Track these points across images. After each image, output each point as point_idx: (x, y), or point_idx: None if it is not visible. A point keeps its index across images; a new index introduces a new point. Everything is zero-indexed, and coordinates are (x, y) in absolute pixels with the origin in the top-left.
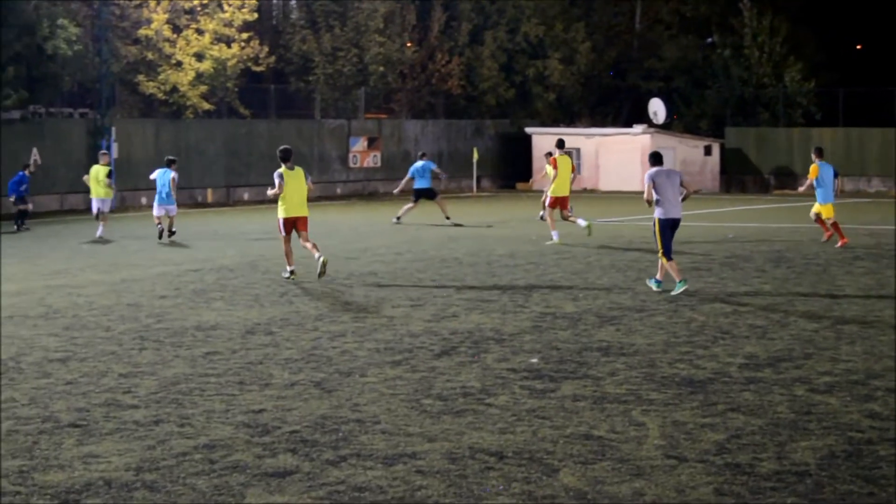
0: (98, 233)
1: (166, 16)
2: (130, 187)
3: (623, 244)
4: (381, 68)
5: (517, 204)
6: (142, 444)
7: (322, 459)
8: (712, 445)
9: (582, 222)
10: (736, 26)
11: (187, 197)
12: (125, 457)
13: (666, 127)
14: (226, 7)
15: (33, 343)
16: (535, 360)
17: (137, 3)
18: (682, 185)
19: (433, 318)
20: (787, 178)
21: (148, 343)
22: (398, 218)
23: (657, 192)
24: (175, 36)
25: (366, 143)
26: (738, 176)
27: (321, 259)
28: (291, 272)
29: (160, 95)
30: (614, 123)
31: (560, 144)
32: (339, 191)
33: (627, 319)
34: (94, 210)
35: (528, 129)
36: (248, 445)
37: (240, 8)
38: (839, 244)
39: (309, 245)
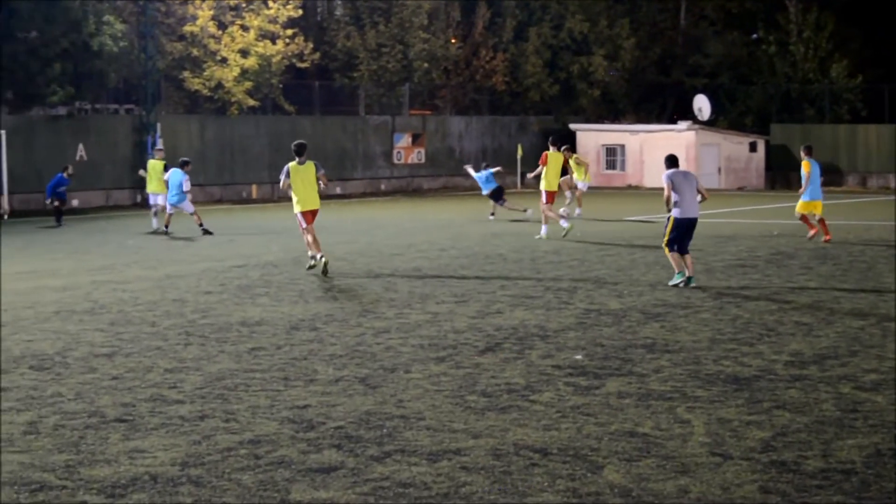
0: (154, 225)
1: (211, 12)
2: None
3: None
4: (426, 64)
5: (561, 200)
6: (187, 440)
7: (366, 455)
8: (758, 443)
9: (564, 223)
10: (781, 22)
11: (232, 193)
12: (171, 452)
13: (711, 123)
14: (271, 3)
15: (79, 338)
16: (579, 357)
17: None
18: (698, 189)
19: (477, 314)
20: (833, 175)
21: (193, 338)
22: (525, 210)
23: (675, 193)
24: (220, 32)
25: (410, 140)
26: (783, 172)
27: (323, 259)
28: (313, 258)
29: (205, 92)
30: (659, 120)
31: (553, 141)
32: (383, 187)
33: (672, 316)
34: (153, 204)
35: (573, 126)
36: (292, 441)
37: (285, 4)
38: (824, 239)
39: (310, 238)
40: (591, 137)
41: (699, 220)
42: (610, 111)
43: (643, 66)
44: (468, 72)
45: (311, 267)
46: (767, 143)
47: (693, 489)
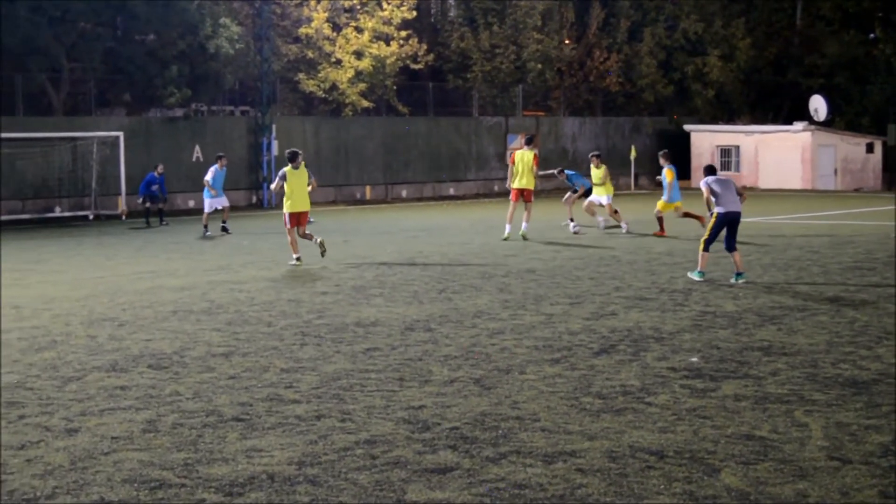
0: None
1: (326, 14)
2: None
3: (783, 243)
4: (539, 65)
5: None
6: (304, 439)
7: (482, 456)
8: (877, 447)
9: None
10: None
11: (346, 194)
12: (287, 451)
13: (827, 124)
14: (385, 5)
15: (197, 338)
16: (695, 359)
17: (298, 1)
18: (738, 192)
19: (592, 315)
20: None
21: (309, 339)
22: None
23: (714, 195)
24: (335, 34)
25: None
26: None
27: (319, 240)
28: (298, 259)
29: (320, 93)
30: (774, 121)
31: (528, 140)
32: (496, 188)
33: (789, 319)
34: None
35: (687, 127)
36: (408, 441)
37: (399, 6)
38: (657, 233)
39: (307, 232)
40: (706, 138)
41: (742, 216)
42: (724, 112)
43: (758, 67)
44: (582, 73)
45: (295, 264)
46: (884, 144)
47: (811, 493)
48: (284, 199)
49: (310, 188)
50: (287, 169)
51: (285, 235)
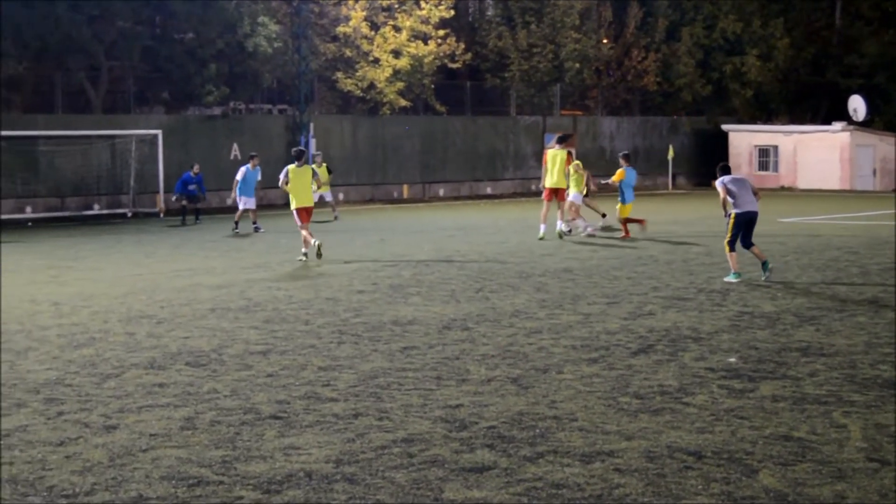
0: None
1: (364, 13)
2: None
3: (821, 243)
4: (577, 65)
5: (713, 202)
6: (341, 437)
7: (519, 456)
8: None
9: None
10: None
11: (383, 193)
12: (325, 449)
13: (866, 124)
14: (423, 4)
15: (235, 335)
16: (733, 360)
17: (336, 0)
18: (753, 191)
19: (629, 315)
20: None
21: (346, 337)
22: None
23: (731, 195)
24: (373, 33)
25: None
26: None
27: (317, 244)
28: (305, 254)
29: (357, 92)
30: (813, 121)
31: (560, 139)
32: (533, 187)
33: (827, 319)
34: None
35: (725, 127)
36: (445, 440)
37: (437, 5)
38: (622, 236)
39: (305, 233)
40: (744, 138)
41: (758, 214)
42: (763, 112)
43: (797, 66)
44: (620, 72)
45: (302, 259)
46: None
47: (850, 495)
48: (290, 196)
49: (314, 186)
50: (291, 167)
51: (321, 234)
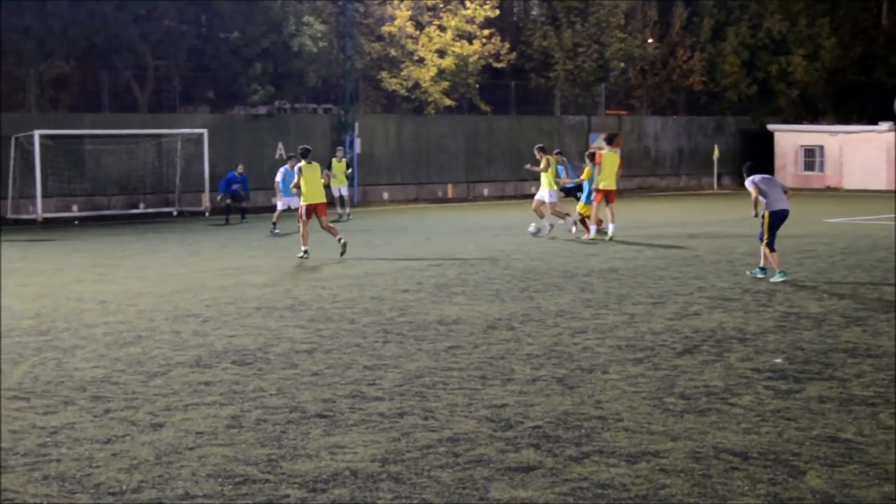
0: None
1: (409, 13)
2: (372, 182)
3: (868, 244)
4: (622, 64)
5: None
6: (387, 436)
7: (565, 456)
8: None
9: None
10: None
11: (428, 192)
12: (370, 448)
13: None
14: (468, 4)
15: (280, 334)
16: (779, 361)
17: (381, 0)
18: (783, 189)
19: (675, 315)
20: None
21: (391, 336)
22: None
23: (763, 194)
24: (418, 33)
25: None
26: None
27: (342, 241)
28: (305, 252)
29: (402, 91)
30: (859, 121)
31: (609, 141)
32: None
33: (874, 320)
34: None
35: (770, 126)
36: (491, 440)
37: (482, 4)
38: (585, 236)
39: (328, 228)
40: (790, 138)
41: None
42: (809, 111)
43: (843, 66)
44: (665, 71)
45: (302, 256)
46: None
47: None
48: (301, 193)
49: (324, 181)
50: (302, 164)
51: (366, 233)
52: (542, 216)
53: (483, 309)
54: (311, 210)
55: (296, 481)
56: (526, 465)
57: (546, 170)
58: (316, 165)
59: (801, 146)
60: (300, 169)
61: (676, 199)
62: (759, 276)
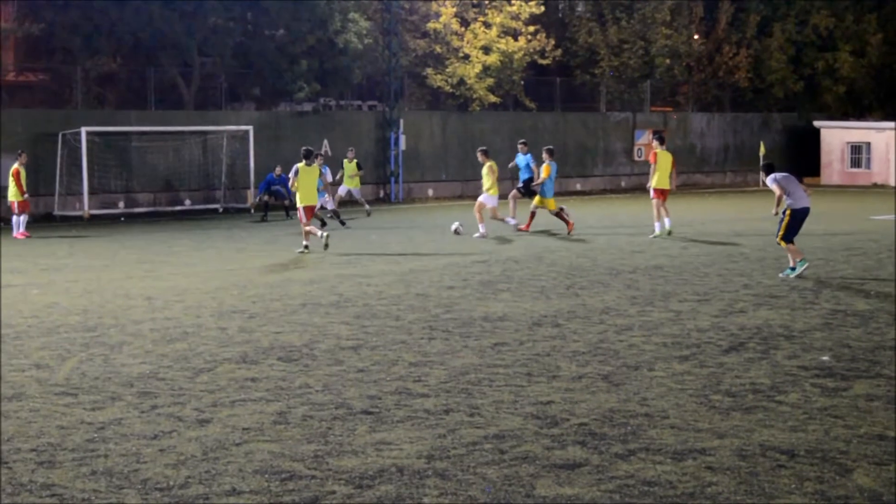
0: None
1: (454, 9)
2: (417, 179)
3: None
4: (668, 61)
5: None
6: (432, 433)
7: (611, 453)
8: None
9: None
10: None
11: (472, 189)
12: (416, 444)
13: None
14: (513, 0)
15: (326, 330)
16: (826, 358)
17: None
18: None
19: (721, 313)
20: None
21: (437, 333)
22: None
23: (785, 192)
24: (463, 29)
25: (651, 136)
26: None
27: (325, 235)
28: (306, 247)
29: (447, 88)
30: None
31: (661, 140)
32: (623, 184)
33: None
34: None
35: (817, 123)
36: (536, 437)
37: (527, 1)
38: (523, 227)
39: (309, 227)
40: (836, 135)
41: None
42: (855, 108)
43: (891, 62)
44: (711, 68)
45: (302, 252)
46: None
47: None
48: (298, 193)
49: (321, 186)
50: (300, 165)
51: (410, 230)
52: (495, 215)
53: (528, 306)
54: (311, 211)
55: (342, 477)
56: (572, 462)
57: (489, 173)
58: (315, 168)
59: (848, 143)
60: (297, 170)
61: (721, 196)
62: (792, 275)
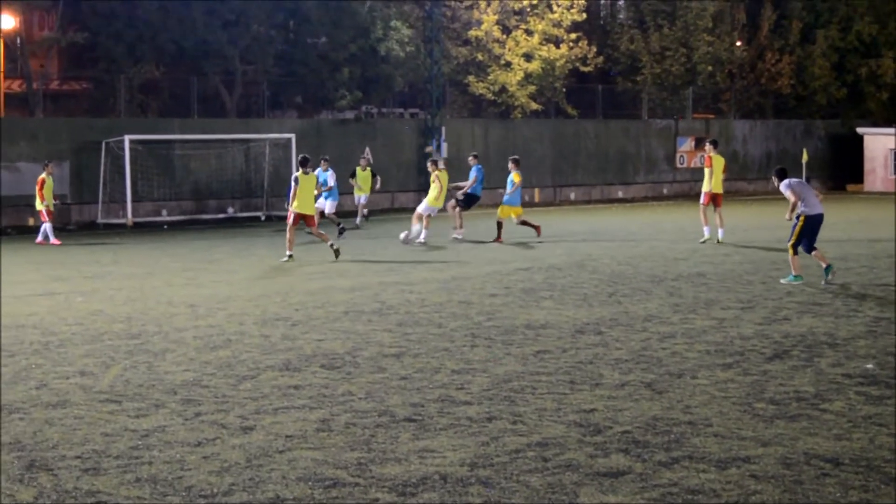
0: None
1: (496, 17)
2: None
3: None
4: (710, 67)
5: (848, 206)
6: (475, 441)
7: (654, 461)
8: None
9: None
10: None
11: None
12: (459, 452)
13: None
14: (555, 7)
15: (368, 338)
16: (870, 366)
17: (468, 4)
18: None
19: (764, 320)
20: None
21: (479, 340)
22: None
23: (800, 198)
24: (504, 37)
25: (693, 144)
26: None
27: (334, 246)
28: (290, 256)
29: (489, 96)
30: None
31: (715, 144)
32: (665, 191)
33: None
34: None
35: (860, 130)
36: (580, 444)
37: (569, 8)
38: (495, 241)
39: (315, 232)
40: (879, 141)
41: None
42: None
43: None
44: (753, 75)
45: (287, 261)
46: None
47: None
48: (294, 199)
49: (316, 192)
50: (298, 174)
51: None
52: (428, 225)
53: (571, 313)
54: (299, 218)
55: (385, 485)
56: (615, 471)
57: (435, 182)
58: (312, 177)
59: (891, 149)
60: (296, 178)
61: (764, 203)
62: (827, 277)
